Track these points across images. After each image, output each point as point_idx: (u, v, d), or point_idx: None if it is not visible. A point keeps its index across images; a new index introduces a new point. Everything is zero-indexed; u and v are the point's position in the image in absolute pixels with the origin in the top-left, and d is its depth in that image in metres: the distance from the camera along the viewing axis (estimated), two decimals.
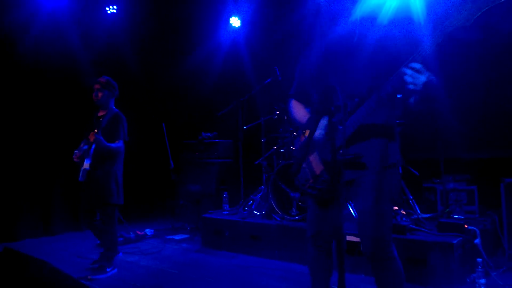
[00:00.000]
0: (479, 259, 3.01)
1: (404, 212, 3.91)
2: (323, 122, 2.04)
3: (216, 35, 7.43)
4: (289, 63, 5.68)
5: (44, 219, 5.73)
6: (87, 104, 4.52)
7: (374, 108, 1.85)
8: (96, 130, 3.76)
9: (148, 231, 5.59)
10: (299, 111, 2.36)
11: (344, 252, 1.66)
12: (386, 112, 2.02)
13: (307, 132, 2.17)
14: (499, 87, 4.59)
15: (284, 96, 5.21)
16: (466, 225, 3.52)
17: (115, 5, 6.65)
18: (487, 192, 4.26)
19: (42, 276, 1.74)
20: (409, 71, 1.71)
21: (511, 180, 3.83)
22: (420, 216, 3.95)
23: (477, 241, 3.46)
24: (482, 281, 2.96)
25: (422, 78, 1.71)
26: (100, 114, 4.09)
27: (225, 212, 5.23)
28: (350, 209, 3.99)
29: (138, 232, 5.46)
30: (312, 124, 2.13)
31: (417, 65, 1.70)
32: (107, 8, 6.63)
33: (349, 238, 3.67)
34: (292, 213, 4.39)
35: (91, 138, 3.73)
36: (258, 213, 4.94)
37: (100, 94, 4.00)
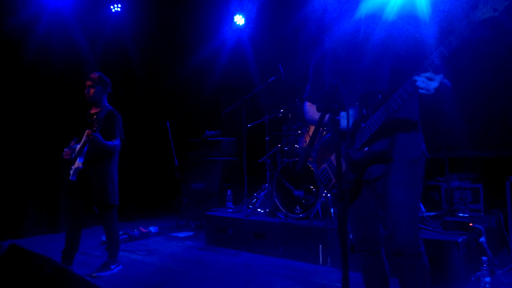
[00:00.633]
0: (484, 258, 2.99)
1: None
2: (343, 121, 2.02)
3: (220, 33, 7.43)
4: (293, 61, 5.71)
5: (50, 216, 5.77)
6: (89, 103, 4.51)
7: (396, 108, 1.85)
8: (94, 128, 3.61)
9: (152, 229, 5.61)
10: (315, 112, 2.35)
11: (348, 250, 1.66)
12: (408, 107, 1.99)
13: (311, 130, 2.17)
14: (505, 85, 4.56)
15: (289, 94, 5.24)
16: (471, 223, 3.51)
17: (120, 4, 6.67)
18: (492, 191, 4.24)
19: (47, 273, 1.75)
20: (420, 78, 1.73)
21: None
22: (424, 215, 3.93)
23: (482, 239, 3.44)
24: (487, 279, 2.94)
25: (434, 84, 1.72)
26: (93, 111, 3.95)
27: (229, 210, 5.24)
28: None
29: (143, 230, 5.47)
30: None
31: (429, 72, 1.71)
32: (111, 7, 6.65)
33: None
34: (296, 211, 4.39)
35: (89, 136, 3.60)
36: (262, 211, 4.95)
37: (92, 91, 3.86)
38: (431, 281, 2.00)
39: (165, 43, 7.40)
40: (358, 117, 1.97)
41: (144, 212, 6.98)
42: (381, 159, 1.97)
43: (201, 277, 3.76)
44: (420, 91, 1.75)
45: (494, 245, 3.77)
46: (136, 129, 6.90)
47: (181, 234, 5.53)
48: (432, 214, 4.15)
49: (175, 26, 7.34)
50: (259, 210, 4.98)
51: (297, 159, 4.57)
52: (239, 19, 7.37)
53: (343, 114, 1.92)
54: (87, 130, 3.61)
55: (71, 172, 3.75)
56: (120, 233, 5.15)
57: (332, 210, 4.23)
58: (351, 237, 2.19)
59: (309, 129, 4.81)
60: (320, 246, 3.99)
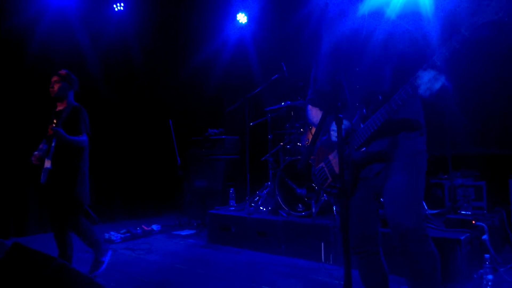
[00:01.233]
0: (486, 255, 2.99)
1: None
2: (345, 122, 2.00)
3: (223, 31, 7.44)
4: (296, 59, 5.70)
5: None
6: (92, 101, 4.51)
7: (395, 109, 1.84)
8: (54, 122, 3.42)
9: (155, 227, 5.63)
10: (318, 115, 2.34)
11: (350, 248, 1.65)
12: (409, 108, 1.97)
13: (313, 130, 2.18)
14: (508, 83, 4.54)
15: (291, 93, 5.23)
16: (474, 221, 3.50)
17: (123, 3, 6.68)
18: (495, 188, 4.24)
19: (49, 270, 1.76)
20: (421, 79, 1.73)
21: None
22: (427, 212, 3.93)
23: (485, 237, 3.43)
24: (490, 277, 2.93)
25: (436, 85, 1.72)
26: (58, 108, 3.76)
27: (232, 208, 5.26)
28: None
29: (145, 228, 5.49)
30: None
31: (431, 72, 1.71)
32: (114, 6, 6.66)
33: None
34: (299, 209, 4.39)
35: (50, 131, 3.40)
36: (264, 209, 4.96)
37: (56, 86, 3.68)
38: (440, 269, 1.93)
39: (167, 41, 7.41)
40: (357, 118, 1.97)
41: (147, 210, 7.00)
42: (379, 160, 1.97)
43: (203, 275, 3.76)
44: (421, 91, 1.75)
45: (497, 242, 3.76)
46: (139, 127, 6.92)
47: (183, 232, 5.55)
48: (435, 211, 4.14)
49: (178, 24, 7.35)
50: (261, 208, 4.99)
51: (299, 157, 4.58)
52: (242, 18, 7.37)
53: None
54: (49, 126, 3.47)
55: (41, 175, 3.52)
56: (122, 231, 5.21)
57: (334, 208, 4.23)
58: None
59: (311, 127, 4.81)
60: (323, 244, 3.99)
